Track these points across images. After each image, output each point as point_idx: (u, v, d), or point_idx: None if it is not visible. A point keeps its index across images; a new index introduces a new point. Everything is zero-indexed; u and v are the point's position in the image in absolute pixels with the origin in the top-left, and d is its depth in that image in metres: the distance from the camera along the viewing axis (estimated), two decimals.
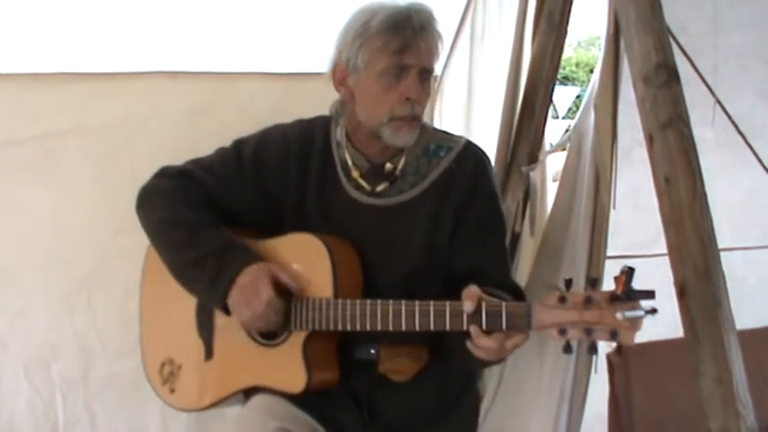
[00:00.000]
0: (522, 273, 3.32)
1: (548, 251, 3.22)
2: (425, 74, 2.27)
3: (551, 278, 3.13)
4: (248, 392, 2.39)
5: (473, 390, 2.56)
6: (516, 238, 3.30)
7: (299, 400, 2.29)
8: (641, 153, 2.99)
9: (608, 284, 2.83)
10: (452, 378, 2.39)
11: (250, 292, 2.21)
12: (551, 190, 3.44)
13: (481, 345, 2.02)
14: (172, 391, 2.48)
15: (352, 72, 2.29)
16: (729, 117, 2.91)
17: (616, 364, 2.76)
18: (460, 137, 2.47)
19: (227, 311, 2.27)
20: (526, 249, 3.32)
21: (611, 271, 2.91)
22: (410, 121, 2.29)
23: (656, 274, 2.91)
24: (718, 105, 2.90)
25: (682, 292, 2.25)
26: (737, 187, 3.24)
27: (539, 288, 3.22)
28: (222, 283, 2.24)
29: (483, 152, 2.46)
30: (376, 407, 2.36)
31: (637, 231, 3.21)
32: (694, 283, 2.23)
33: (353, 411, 2.35)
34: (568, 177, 3.14)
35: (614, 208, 2.88)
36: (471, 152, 2.41)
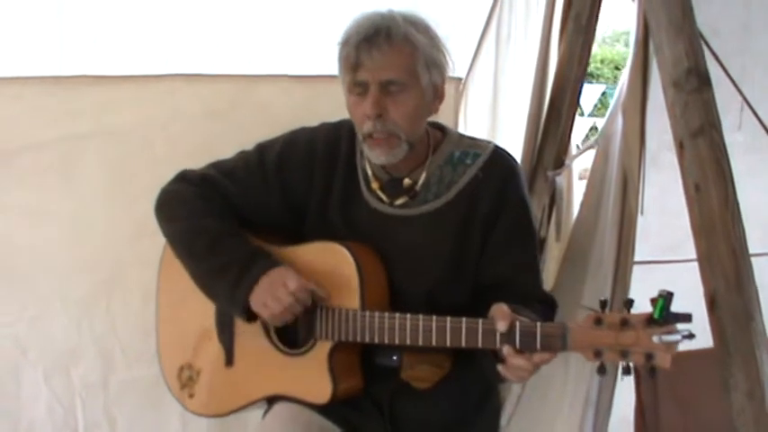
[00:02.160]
0: (547, 278, 3.27)
1: (574, 256, 3.18)
2: (392, 87, 2.18)
3: (577, 283, 3.09)
4: (270, 398, 2.36)
5: (495, 396, 2.53)
6: (542, 243, 3.25)
7: (322, 408, 2.27)
8: (669, 157, 2.95)
9: (635, 290, 2.83)
10: (474, 385, 2.36)
11: (276, 286, 2.18)
12: (578, 190, 3.40)
13: (513, 364, 1.99)
14: (191, 396, 2.46)
15: None
16: (760, 120, 2.85)
17: (643, 374, 2.72)
18: (488, 142, 2.39)
19: (247, 316, 2.24)
20: (551, 254, 3.27)
21: (637, 277, 2.90)
22: (382, 141, 2.21)
23: (684, 279, 2.86)
24: (747, 109, 2.85)
25: (712, 304, 2.22)
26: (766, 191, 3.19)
27: (564, 294, 3.17)
28: (243, 287, 2.21)
29: (512, 158, 2.38)
30: (398, 414, 2.33)
31: (664, 235, 3.18)
32: (725, 294, 2.20)
33: (376, 419, 2.33)
34: (595, 181, 3.09)
35: (641, 213, 2.84)
36: (500, 158, 2.34)
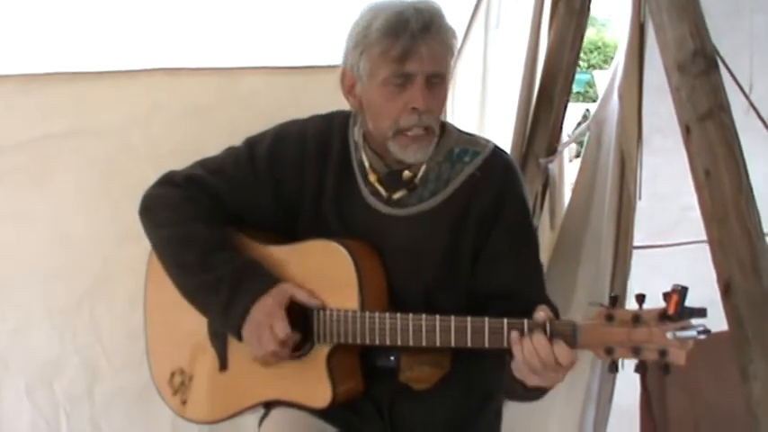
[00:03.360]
0: None
1: (566, 243, 3.18)
2: (435, 79, 2.13)
3: (570, 270, 3.08)
4: (267, 403, 2.30)
5: (496, 397, 2.45)
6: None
7: (322, 412, 2.21)
8: (660, 141, 2.93)
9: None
10: (475, 385, 2.31)
11: (262, 330, 2.13)
12: (568, 173, 3.40)
13: (525, 348, 1.92)
14: (183, 402, 2.38)
15: (357, 80, 2.17)
16: (750, 101, 2.83)
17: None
18: (487, 141, 2.33)
19: (240, 339, 2.20)
20: (544, 244, 3.22)
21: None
22: (420, 137, 2.15)
23: (675, 263, 2.84)
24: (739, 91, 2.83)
25: (727, 290, 2.20)
26: (759, 172, 3.19)
27: (557, 281, 3.14)
28: (236, 311, 2.16)
29: (510, 158, 2.34)
30: (399, 417, 2.27)
31: (655, 220, 3.18)
32: (741, 279, 2.18)
33: (377, 421, 2.27)
34: (588, 166, 3.08)
35: (639, 199, 2.83)
36: (498, 158, 2.28)
